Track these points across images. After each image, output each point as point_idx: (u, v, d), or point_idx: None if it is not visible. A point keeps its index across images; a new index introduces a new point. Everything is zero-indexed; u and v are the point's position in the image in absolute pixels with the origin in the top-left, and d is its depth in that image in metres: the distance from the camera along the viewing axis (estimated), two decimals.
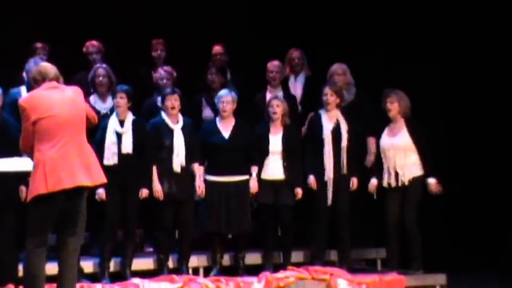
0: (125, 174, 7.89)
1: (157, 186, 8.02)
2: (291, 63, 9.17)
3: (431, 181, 8.25)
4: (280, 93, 8.80)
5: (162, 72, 8.74)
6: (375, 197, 8.36)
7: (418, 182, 8.26)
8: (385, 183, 8.31)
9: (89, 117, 6.40)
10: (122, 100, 7.97)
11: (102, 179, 6.27)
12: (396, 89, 8.34)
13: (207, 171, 8.20)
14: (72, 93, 6.27)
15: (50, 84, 6.21)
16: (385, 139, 8.35)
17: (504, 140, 9.71)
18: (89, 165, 6.17)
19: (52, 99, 6.14)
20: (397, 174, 8.25)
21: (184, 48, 9.73)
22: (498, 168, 9.70)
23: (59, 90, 6.21)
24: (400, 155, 8.25)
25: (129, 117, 8.04)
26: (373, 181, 8.37)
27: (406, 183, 8.23)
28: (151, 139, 8.10)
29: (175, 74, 8.81)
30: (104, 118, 8.11)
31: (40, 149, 6.09)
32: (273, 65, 8.90)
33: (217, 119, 8.32)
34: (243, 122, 8.33)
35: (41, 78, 6.23)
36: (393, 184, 8.24)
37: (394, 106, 8.28)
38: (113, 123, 7.99)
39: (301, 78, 9.15)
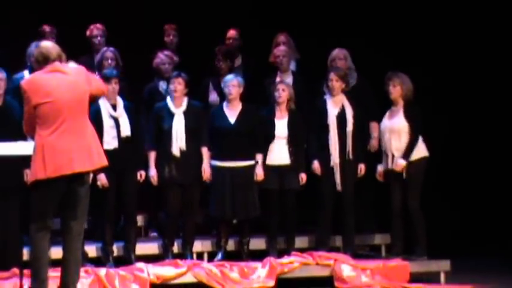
0: (125, 157, 7.88)
1: (152, 172, 8.02)
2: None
3: (400, 162, 8.16)
4: (290, 78, 8.79)
5: (162, 57, 8.72)
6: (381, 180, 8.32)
7: (418, 165, 8.21)
8: (384, 166, 8.28)
9: (98, 92, 6.32)
10: (117, 86, 7.96)
11: (103, 161, 6.25)
12: (399, 72, 8.31)
13: (213, 156, 8.19)
14: (75, 74, 6.19)
15: (52, 67, 6.14)
16: (384, 122, 8.35)
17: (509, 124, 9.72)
18: (89, 149, 6.14)
19: (52, 83, 6.08)
20: (393, 156, 8.22)
21: (195, 33, 9.69)
22: (504, 153, 9.69)
23: (61, 73, 6.14)
24: (395, 137, 8.23)
25: (120, 101, 8.01)
26: (379, 168, 8.34)
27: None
28: (150, 125, 8.11)
29: (175, 58, 8.80)
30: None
31: (40, 134, 6.07)
32: (279, 50, 8.90)
33: (225, 104, 8.30)
34: (251, 108, 8.30)
35: (43, 59, 6.16)
36: (390, 166, 8.22)
37: (396, 89, 8.26)
38: (106, 108, 7.95)
39: (292, 63, 9.09)
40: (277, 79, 8.71)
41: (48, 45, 6.24)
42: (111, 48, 8.52)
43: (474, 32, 9.73)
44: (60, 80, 6.11)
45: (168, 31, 9.43)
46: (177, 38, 9.40)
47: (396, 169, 8.17)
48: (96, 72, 8.44)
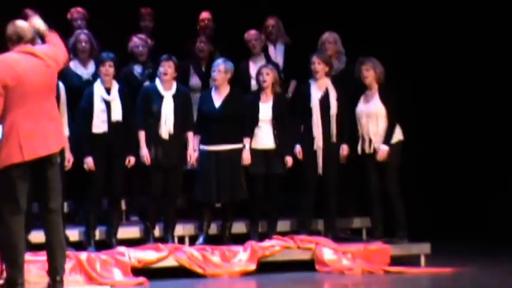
0: (114, 142, 7.88)
1: (144, 151, 7.99)
2: (266, 32, 9.14)
3: (383, 147, 8.21)
4: (262, 61, 8.77)
5: (136, 40, 8.68)
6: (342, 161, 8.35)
7: (394, 149, 8.24)
8: (359, 151, 8.30)
9: (65, 62, 6.37)
10: (111, 68, 7.93)
11: (64, 143, 6.32)
12: (370, 56, 8.33)
13: (201, 141, 8.17)
14: (43, 56, 6.12)
15: (23, 48, 6.09)
16: (360, 106, 8.35)
17: (488, 110, 9.73)
18: (58, 130, 6.16)
19: (22, 66, 6.03)
20: (370, 140, 8.25)
21: (171, 16, 9.64)
22: (484, 137, 9.71)
23: (31, 55, 6.08)
24: (373, 121, 8.26)
25: (115, 85, 7.99)
26: (344, 147, 8.33)
27: (378, 150, 8.22)
28: (139, 105, 8.08)
29: (149, 41, 8.78)
30: (87, 85, 8.08)
31: (11, 116, 5.99)
32: (250, 34, 8.90)
33: (213, 88, 8.31)
34: (238, 92, 8.30)
35: (16, 38, 6.11)
36: (367, 150, 8.25)
37: (370, 73, 8.28)
38: (99, 91, 7.94)
39: (280, 47, 9.12)
40: (250, 63, 8.75)
41: (24, 25, 6.18)
42: (85, 31, 8.51)
43: (457, 20, 9.73)
44: (30, 62, 6.06)
45: (144, 16, 9.38)
46: (152, 23, 9.35)
47: (380, 155, 8.18)
48: (71, 55, 8.43)
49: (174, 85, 8.14)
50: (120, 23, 9.34)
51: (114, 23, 9.33)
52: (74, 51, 8.39)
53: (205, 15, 9.41)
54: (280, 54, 9.10)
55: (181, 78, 8.64)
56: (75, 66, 8.34)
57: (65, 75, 8.07)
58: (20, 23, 6.20)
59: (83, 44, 8.36)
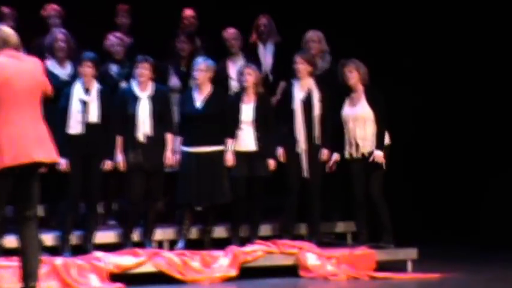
0: (90, 144, 7.76)
1: (119, 157, 7.86)
2: (258, 30, 8.98)
3: (378, 153, 8.10)
4: (241, 61, 8.64)
5: (112, 39, 8.57)
6: (327, 170, 8.21)
7: (383, 153, 8.12)
8: (347, 155, 8.20)
9: (48, 90, 6.22)
10: (89, 69, 7.82)
11: (55, 157, 6.12)
12: (352, 58, 8.23)
13: (183, 142, 8.03)
14: (32, 65, 6.09)
15: (10, 53, 6.02)
16: (346, 110, 8.24)
17: (476, 111, 9.68)
18: (44, 141, 6.02)
19: (10, 69, 5.94)
20: (358, 145, 8.14)
21: (151, 13, 9.49)
22: (470, 141, 9.66)
23: (18, 60, 6.02)
24: (360, 126, 8.16)
25: (95, 86, 7.87)
26: (335, 155, 8.19)
27: (366, 154, 8.12)
28: (116, 108, 7.93)
29: (126, 40, 8.65)
30: (65, 85, 7.95)
31: None
32: (229, 33, 8.77)
33: (194, 87, 8.18)
34: (221, 91, 8.18)
35: (1, 43, 6.04)
36: (354, 155, 8.15)
37: (353, 75, 8.17)
38: (77, 91, 7.83)
39: (270, 46, 8.99)
40: (229, 63, 8.63)
41: (9, 31, 6.14)
42: (62, 30, 8.38)
43: (447, 22, 9.72)
44: (17, 66, 5.98)
45: (119, 12, 9.22)
46: (129, 20, 9.20)
47: (376, 160, 8.05)
48: (47, 55, 8.22)
49: (151, 86, 7.99)
50: (97, 20, 9.17)
51: (91, 20, 9.17)
52: (50, 51, 8.24)
53: (188, 12, 9.25)
54: (270, 54, 8.95)
55: (160, 79, 8.45)
56: (52, 66, 8.18)
57: None
58: (5, 29, 6.17)
59: (61, 44, 8.22)
